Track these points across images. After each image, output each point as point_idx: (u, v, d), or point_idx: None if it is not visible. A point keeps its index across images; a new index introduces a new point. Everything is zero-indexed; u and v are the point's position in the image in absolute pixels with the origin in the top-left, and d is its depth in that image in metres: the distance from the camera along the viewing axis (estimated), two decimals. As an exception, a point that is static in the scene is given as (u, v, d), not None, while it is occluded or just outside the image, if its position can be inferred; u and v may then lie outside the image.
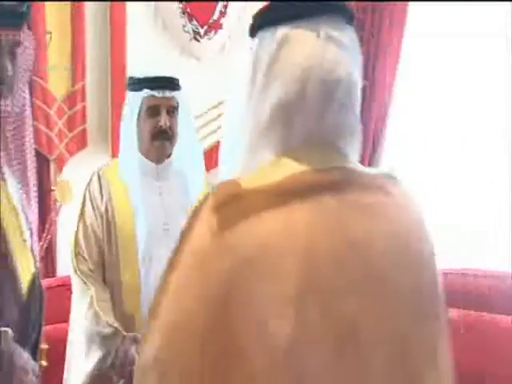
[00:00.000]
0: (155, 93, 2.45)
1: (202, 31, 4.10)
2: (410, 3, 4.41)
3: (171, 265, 1.24)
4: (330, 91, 1.21)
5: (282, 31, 1.23)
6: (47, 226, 3.67)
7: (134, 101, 2.51)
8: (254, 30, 1.29)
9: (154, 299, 1.26)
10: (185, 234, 1.22)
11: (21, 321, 1.79)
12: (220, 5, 4.10)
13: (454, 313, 3.66)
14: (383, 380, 1.17)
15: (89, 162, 3.26)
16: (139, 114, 2.49)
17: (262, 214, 1.16)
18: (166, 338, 1.20)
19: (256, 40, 1.28)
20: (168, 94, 2.47)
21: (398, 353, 1.19)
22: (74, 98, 3.84)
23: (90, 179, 2.58)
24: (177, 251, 1.23)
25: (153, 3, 4.02)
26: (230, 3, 4.14)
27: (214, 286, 1.16)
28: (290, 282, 1.15)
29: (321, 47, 1.21)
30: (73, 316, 2.56)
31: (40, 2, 3.76)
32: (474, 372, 3.46)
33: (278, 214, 1.16)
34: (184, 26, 4.05)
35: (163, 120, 2.43)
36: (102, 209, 2.48)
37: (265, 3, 1.38)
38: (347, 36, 1.24)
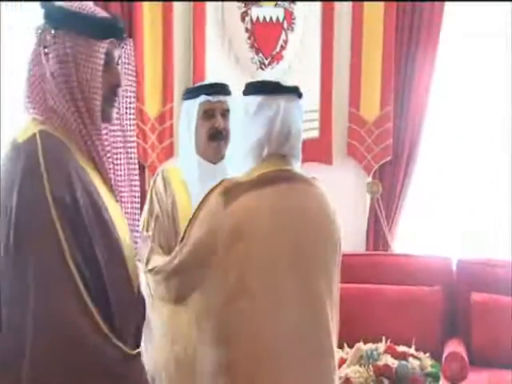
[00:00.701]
0: (211, 98, 2.37)
1: (266, 62, 4.09)
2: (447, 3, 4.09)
3: (190, 223, 1.92)
4: (287, 133, 1.91)
5: (260, 98, 1.91)
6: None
7: (191, 107, 2.43)
8: (246, 92, 1.97)
9: (180, 242, 1.96)
10: (200, 206, 1.90)
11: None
12: (281, 40, 4.07)
13: (477, 296, 3.73)
14: (319, 273, 1.91)
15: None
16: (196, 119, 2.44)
17: (247, 194, 1.85)
18: (187, 254, 1.89)
19: (247, 98, 1.95)
20: (221, 98, 2.40)
21: (324, 265, 1.93)
22: (163, 117, 3.97)
23: (155, 180, 2.51)
24: (194, 216, 1.91)
25: (227, 42, 4.08)
26: (290, 40, 4.10)
27: (220, 237, 1.83)
28: (264, 227, 1.85)
29: (281, 109, 1.89)
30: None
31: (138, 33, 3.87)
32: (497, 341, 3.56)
33: (257, 194, 1.86)
34: (252, 59, 4.08)
35: (218, 121, 2.36)
36: (168, 207, 2.41)
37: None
38: (297, 104, 1.94)
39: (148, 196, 2.51)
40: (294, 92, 1.93)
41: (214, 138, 2.35)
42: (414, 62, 4.07)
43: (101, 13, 1.61)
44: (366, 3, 4.09)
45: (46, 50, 1.55)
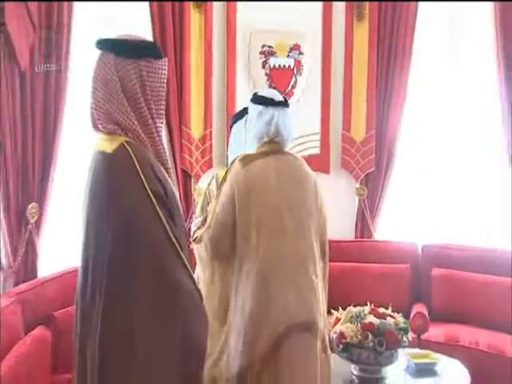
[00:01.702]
0: None
1: None
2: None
3: (221, 184, 2.08)
4: (280, 133, 2.10)
5: (260, 107, 2.11)
6: (190, 213, 3.83)
7: (240, 126, 2.42)
8: (253, 100, 2.15)
9: (216, 197, 2.10)
10: (226, 173, 2.07)
11: None
12: (292, 82, 4.10)
13: (436, 271, 3.79)
14: (305, 212, 2.06)
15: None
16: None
17: (257, 161, 2.05)
18: (218, 210, 2.05)
19: (252, 105, 2.14)
20: None
21: (308, 206, 2.07)
22: (205, 138, 3.97)
23: (210, 181, 2.55)
24: (222, 180, 2.08)
25: (252, 83, 4.07)
26: (298, 81, 4.10)
27: (240, 189, 1.99)
28: (271, 185, 2.01)
29: (276, 115, 2.09)
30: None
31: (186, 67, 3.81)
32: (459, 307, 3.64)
33: (263, 161, 2.05)
34: None
35: None
36: None
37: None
38: (285, 112, 2.12)
39: (203, 193, 2.60)
40: (283, 105, 2.15)
41: None
42: (390, 102, 4.09)
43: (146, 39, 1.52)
44: (354, 61, 4.12)
45: (119, 74, 1.43)
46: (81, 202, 1.50)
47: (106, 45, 1.48)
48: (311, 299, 1.99)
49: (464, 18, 4.11)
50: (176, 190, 1.54)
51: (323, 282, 2.11)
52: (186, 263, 1.43)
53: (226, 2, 4.00)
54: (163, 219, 1.39)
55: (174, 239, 1.40)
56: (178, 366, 1.38)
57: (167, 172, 1.51)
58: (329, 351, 2.08)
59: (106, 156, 1.42)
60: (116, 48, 1.46)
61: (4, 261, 3.06)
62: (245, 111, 2.41)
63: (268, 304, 1.93)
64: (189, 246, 1.58)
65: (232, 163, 2.11)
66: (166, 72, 1.49)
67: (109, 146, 1.43)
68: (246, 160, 2.07)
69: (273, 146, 2.13)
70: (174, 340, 1.37)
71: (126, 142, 1.43)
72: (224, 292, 2.04)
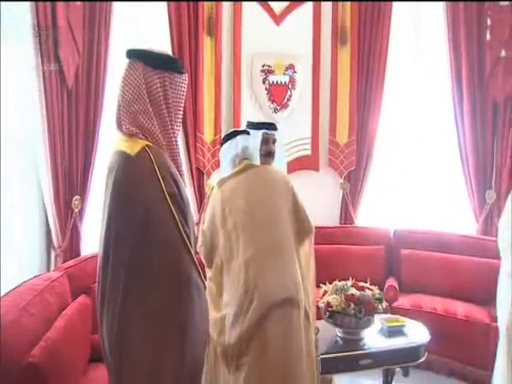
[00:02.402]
0: (268, 131, 2.29)
1: (278, 108, 4.13)
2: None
3: (204, 210, 2.08)
4: (244, 151, 2.09)
5: (229, 142, 2.15)
6: (203, 206, 3.78)
7: (254, 135, 2.29)
8: (222, 144, 2.19)
9: (201, 230, 2.06)
10: (208, 197, 2.07)
11: None
12: (287, 95, 4.14)
13: (405, 251, 3.85)
14: (278, 214, 2.00)
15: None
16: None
17: (230, 180, 2.04)
18: (204, 229, 2.04)
19: (224, 144, 2.16)
20: (273, 131, 2.31)
21: (279, 204, 2.02)
22: (215, 142, 3.97)
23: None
24: (206, 203, 2.09)
25: (254, 96, 4.10)
26: (292, 95, 4.12)
27: (217, 206, 1.99)
28: (241, 193, 2.00)
29: (240, 142, 2.11)
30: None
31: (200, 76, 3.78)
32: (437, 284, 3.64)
33: (235, 179, 2.05)
34: (269, 106, 4.14)
35: (271, 147, 2.29)
36: None
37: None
38: (247, 137, 2.15)
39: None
40: (244, 132, 2.18)
41: (268, 156, 2.30)
42: (368, 112, 4.14)
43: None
44: (338, 78, 4.14)
45: (146, 81, 1.38)
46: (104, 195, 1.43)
47: (136, 54, 1.43)
48: (289, 278, 1.92)
49: (427, 21, 3.99)
50: (188, 192, 1.47)
51: (308, 259, 2.06)
52: (195, 259, 1.38)
53: (232, 31, 4.05)
54: (177, 218, 1.34)
55: (185, 237, 1.35)
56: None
57: (180, 174, 1.44)
58: (311, 317, 2.01)
59: (129, 157, 1.35)
60: (145, 57, 1.40)
61: (55, 242, 3.16)
62: (262, 125, 2.35)
63: (253, 289, 1.87)
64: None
65: (212, 189, 2.10)
66: (185, 86, 1.44)
67: (131, 148, 1.36)
68: (221, 182, 2.08)
69: (245, 164, 2.10)
70: (179, 335, 1.32)
71: (147, 145, 1.36)
72: (219, 287, 2.01)
